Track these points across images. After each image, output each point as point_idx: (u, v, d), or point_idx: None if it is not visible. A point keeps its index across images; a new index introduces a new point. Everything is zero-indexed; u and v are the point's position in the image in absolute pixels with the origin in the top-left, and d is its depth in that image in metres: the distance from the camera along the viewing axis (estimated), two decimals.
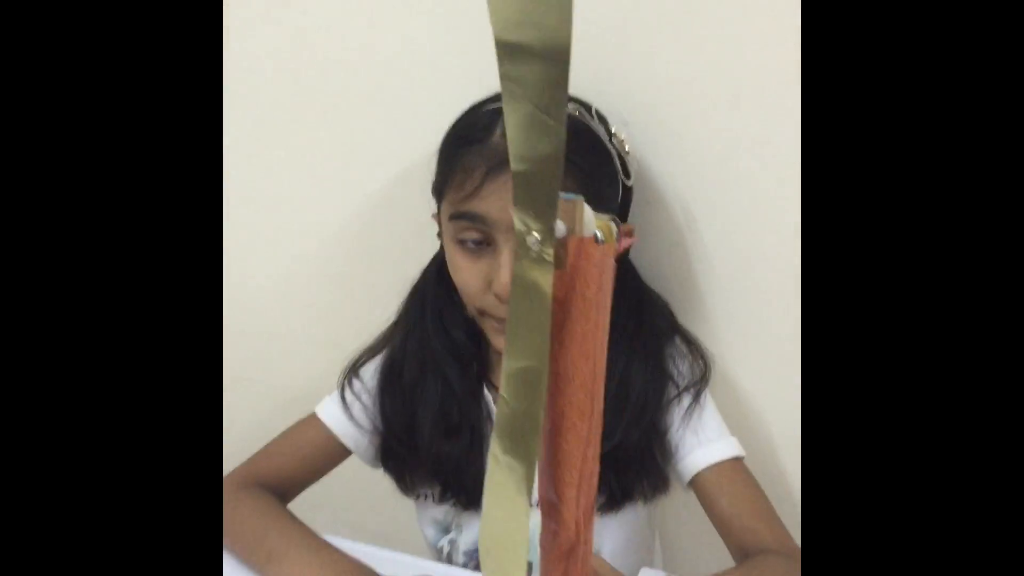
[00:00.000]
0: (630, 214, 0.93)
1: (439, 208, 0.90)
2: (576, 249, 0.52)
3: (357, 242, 1.20)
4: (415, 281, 1.00)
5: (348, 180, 1.18)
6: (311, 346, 1.28)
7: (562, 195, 0.53)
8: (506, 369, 0.52)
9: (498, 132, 0.87)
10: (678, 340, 0.95)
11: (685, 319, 0.98)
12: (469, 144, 0.88)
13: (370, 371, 1.00)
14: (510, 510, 0.54)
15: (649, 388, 0.89)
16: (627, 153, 0.91)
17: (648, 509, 1.00)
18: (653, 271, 0.99)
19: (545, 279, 0.50)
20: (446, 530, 1.01)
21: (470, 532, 0.99)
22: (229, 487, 0.94)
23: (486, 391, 0.97)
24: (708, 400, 0.92)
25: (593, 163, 0.87)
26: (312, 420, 0.99)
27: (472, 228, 0.84)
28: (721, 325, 0.99)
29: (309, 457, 0.98)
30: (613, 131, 0.91)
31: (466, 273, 0.86)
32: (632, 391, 0.90)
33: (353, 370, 1.00)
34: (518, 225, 0.50)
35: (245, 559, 0.87)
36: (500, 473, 0.54)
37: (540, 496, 0.57)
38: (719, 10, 0.87)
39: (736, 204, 0.93)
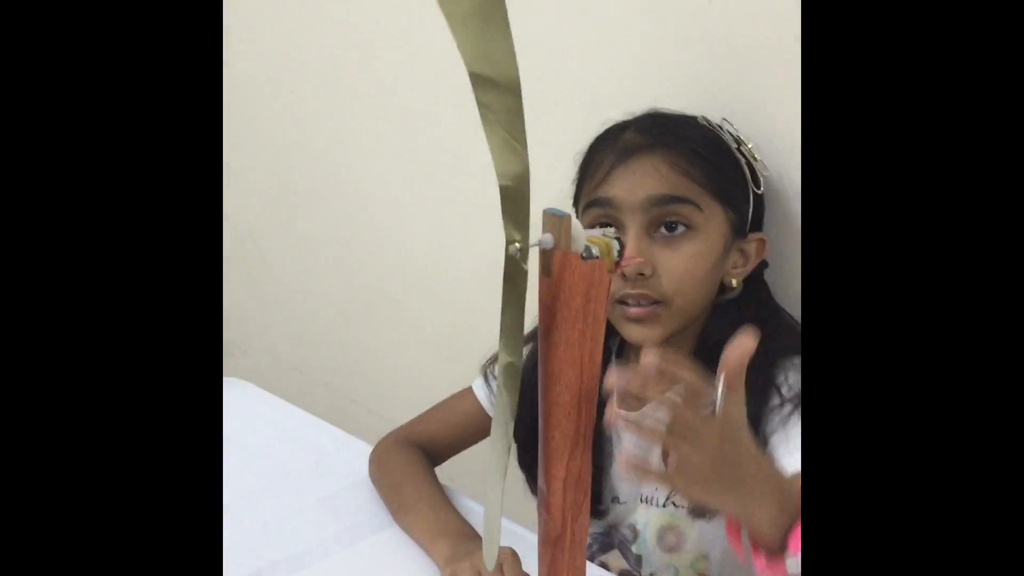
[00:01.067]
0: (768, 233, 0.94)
1: (577, 213, 0.94)
2: (561, 261, 0.56)
3: None
4: None
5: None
6: None
7: (553, 210, 0.58)
8: (499, 362, 0.58)
9: (630, 131, 0.90)
10: (800, 359, 0.93)
11: None
12: (604, 142, 0.92)
13: None
14: (491, 492, 0.59)
15: (749, 397, 0.88)
16: (756, 161, 0.91)
17: None
18: (788, 290, 0.97)
19: (522, 284, 0.55)
20: None
21: (597, 521, 1.02)
22: (387, 443, 1.05)
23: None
24: None
25: (718, 160, 0.89)
26: (467, 393, 1.07)
27: (603, 213, 0.88)
28: None
29: (459, 425, 1.06)
30: (741, 138, 0.91)
31: None
32: None
33: (496, 360, 1.05)
34: (506, 235, 0.55)
35: (386, 505, 0.98)
36: (490, 458, 0.60)
37: (539, 486, 0.62)
38: None
39: None
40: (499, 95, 0.50)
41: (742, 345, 0.58)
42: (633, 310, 0.88)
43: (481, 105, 0.51)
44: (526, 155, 0.51)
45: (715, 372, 0.92)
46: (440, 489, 0.97)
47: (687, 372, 0.57)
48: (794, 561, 0.61)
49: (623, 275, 0.88)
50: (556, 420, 0.59)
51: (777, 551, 0.62)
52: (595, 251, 0.57)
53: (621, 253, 0.59)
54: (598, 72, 1.12)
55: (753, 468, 0.60)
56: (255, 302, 1.87)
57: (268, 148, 1.67)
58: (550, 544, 0.62)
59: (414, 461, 1.01)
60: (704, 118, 0.92)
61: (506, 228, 0.55)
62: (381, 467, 1.02)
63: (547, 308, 0.57)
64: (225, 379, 1.20)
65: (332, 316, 1.71)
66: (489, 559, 0.62)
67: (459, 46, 0.49)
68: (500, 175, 0.54)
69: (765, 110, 0.95)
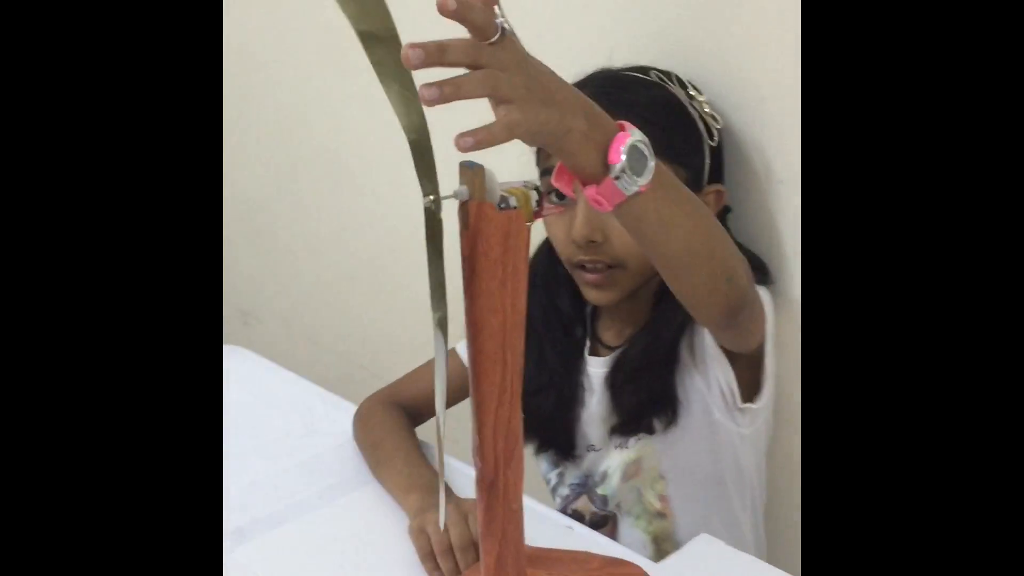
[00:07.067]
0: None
1: (539, 176, 0.94)
2: (476, 212, 0.57)
3: None
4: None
5: None
6: None
7: (468, 163, 0.58)
8: (432, 319, 0.59)
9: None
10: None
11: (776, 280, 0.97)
12: None
13: None
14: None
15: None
16: (708, 114, 0.91)
17: (726, 450, 0.98)
18: (748, 233, 0.98)
19: (440, 237, 0.56)
20: (556, 465, 1.07)
21: (575, 470, 1.04)
22: (370, 402, 1.07)
23: (587, 354, 1.00)
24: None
25: (669, 122, 0.89)
26: (451, 354, 1.07)
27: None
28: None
29: None
30: (692, 94, 0.91)
31: (554, 226, 0.91)
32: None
33: None
34: (422, 189, 0.56)
35: (366, 461, 1.00)
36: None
37: (472, 434, 0.63)
38: None
39: None
40: (385, 49, 0.51)
41: None
42: (590, 275, 0.92)
43: (374, 64, 0.52)
44: (421, 105, 0.52)
45: (681, 319, 0.94)
46: (417, 446, 0.99)
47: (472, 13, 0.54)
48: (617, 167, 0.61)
49: (575, 242, 0.89)
50: (483, 369, 0.60)
51: (600, 174, 0.61)
52: (512, 202, 0.58)
53: (540, 203, 0.60)
54: (554, 29, 1.12)
55: (556, 80, 0.59)
56: (268, 273, 1.90)
57: (275, 125, 1.70)
58: (484, 490, 0.63)
59: (394, 419, 1.02)
60: (657, 73, 0.92)
61: (420, 183, 0.56)
62: (363, 425, 1.04)
63: (466, 259, 0.58)
64: (225, 347, 1.22)
65: (339, 286, 1.74)
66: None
67: (341, 8, 0.51)
68: (405, 129, 0.55)
69: (721, 62, 0.96)
